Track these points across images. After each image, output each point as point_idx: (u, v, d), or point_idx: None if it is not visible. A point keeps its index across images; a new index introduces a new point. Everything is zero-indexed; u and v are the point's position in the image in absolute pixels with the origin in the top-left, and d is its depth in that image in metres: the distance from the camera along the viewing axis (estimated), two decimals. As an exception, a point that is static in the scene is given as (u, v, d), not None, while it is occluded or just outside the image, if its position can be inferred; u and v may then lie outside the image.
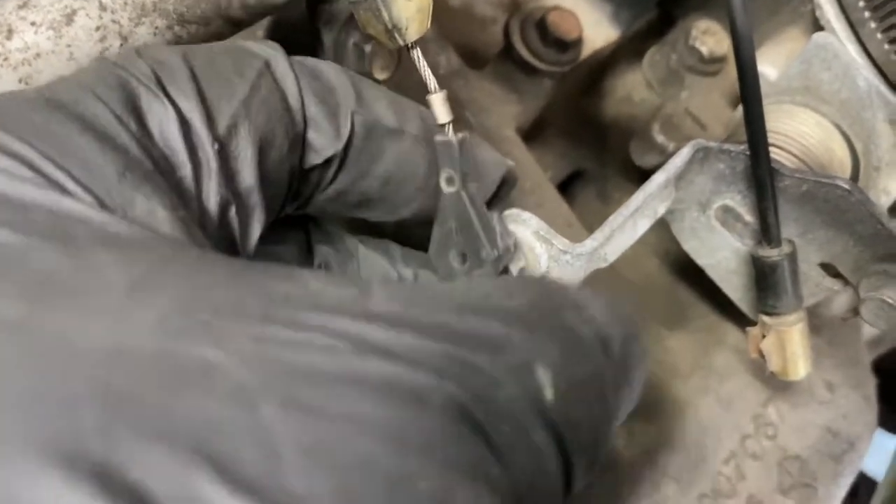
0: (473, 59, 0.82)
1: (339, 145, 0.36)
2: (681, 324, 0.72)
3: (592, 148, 0.79)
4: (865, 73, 0.55)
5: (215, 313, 0.22)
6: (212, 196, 0.31)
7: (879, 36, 0.56)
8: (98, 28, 0.38)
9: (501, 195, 0.48)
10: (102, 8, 0.38)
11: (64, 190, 0.26)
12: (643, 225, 0.53)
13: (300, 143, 0.35)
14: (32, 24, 0.37)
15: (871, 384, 0.70)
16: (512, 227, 0.49)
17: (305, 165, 0.36)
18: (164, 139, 0.30)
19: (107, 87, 0.29)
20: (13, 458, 0.18)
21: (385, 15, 0.40)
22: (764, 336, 0.56)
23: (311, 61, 0.38)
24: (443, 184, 0.40)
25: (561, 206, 0.70)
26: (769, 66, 0.61)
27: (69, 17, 0.37)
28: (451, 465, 0.21)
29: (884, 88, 0.58)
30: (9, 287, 0.22)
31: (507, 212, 0.49)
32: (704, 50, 0.66)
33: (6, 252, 0.23)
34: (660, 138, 0.65)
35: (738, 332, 0.69)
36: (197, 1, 0.41)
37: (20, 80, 0.36)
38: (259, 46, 0.35)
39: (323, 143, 0.36)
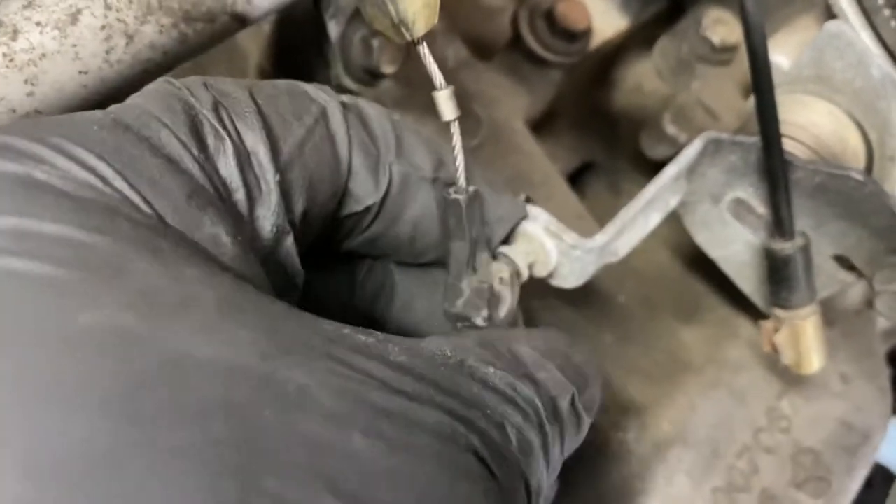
0: (481, 49, 0.81)
1: (378, 196, 0.37)
2: (694, 317, 0.72)
3: (603, 139, 0.78)
4: (879, 62, 0.54)
5: (292, 342, 0.26)
6: (267, 225, 0.32)
7: (894, 24, 0.55)
8: (103, 27, 0.38)
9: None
10: (107, 7, 0.38)
11: (136, 207, 0.27)
12: (655, 218, 0.53)
13: (341, 191, 0.36)
14: (38, 24, 0.37)
15: (885, 375, 0.70)
16: (522, 222, 0.48)
17: (343, 213, 0.37)
18: (225, 167, 0.30)
19: (172, 113, 0.30)
20: (161, 465, 0.21)
21: (392, 10, 0.39)
22: (777, 329, 0.55)
23: (359, 106, 0.38)
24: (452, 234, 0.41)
25: (571, 198, 0.69)
26: (781, 55, 0.60)
27: (74, 17, 0.37)
28: (477, 484, 0.28)
29: (898, 77, 0.57)
30: (118, 296, 0.23)
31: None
32: (716, 39, 0.65)
33: (108, 259, 0.24)
34: (671, 129, 0.64)
35: (750, 326, 0.68)
36: (202, -2, 0.41)
37: (26, 81, 0.36)
38: (317, 93, 0.36)
39: (362, 194, 0.37)
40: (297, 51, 0.57)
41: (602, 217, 0.78)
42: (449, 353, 0.32)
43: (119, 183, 0.27)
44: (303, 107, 0.35)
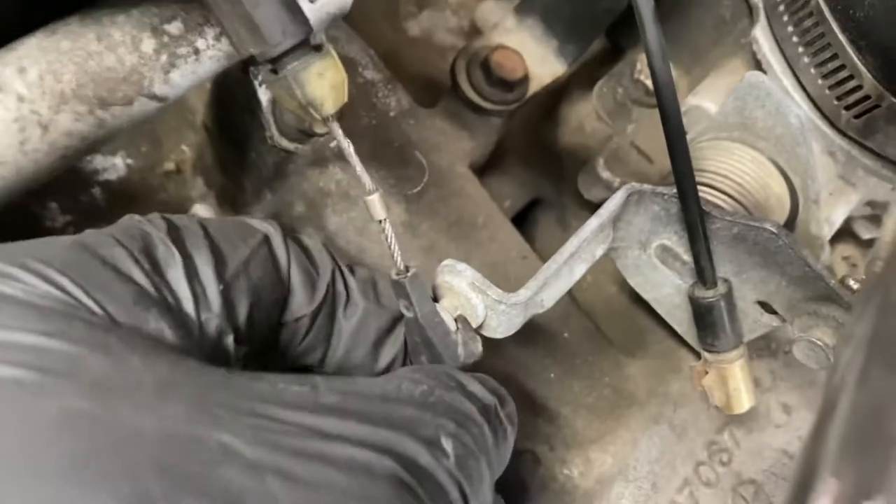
0: (434, 88, 0.83)
1: (310, 309, 0.44)
2: (639, 350, 0.73)
3: (550, 176, 0.79)
4: (797, 111, 0.56)
5: (220, 407, 0.31)
6: (212, 325, 0.38)
7: (813, 71, 0.57)
8: (16, 119, 0.39)
9: None
10: (20, 99, 0.39)
11: (92, 311, 0.32)
12: (580, 269, 0.54)
13: (283, 301, 0.43)
14: (-49, 120, 0.38)
15: (828, 404, 0.71)
16: (448, 278, 0.50)
17: (282, 320, 0.44)
18: (175, 279, 0.37)
19: (129, 237, 0.36)
20: None
21: (298, 93, 0.41)
22: (706, 372, 0.57)
23: (302, 241, 0.46)
24: (403, 310, 0.45)
25: (515, 238, 0.70)
26: (709, 101, 0.61)
27: (-13, 111, 0.39)
28: None
29: (819, 122, 0.58)
30: (77, 387, 0.29)
31: (443, 263, 0.50)
32: (649, 83, 0.66)
33: (65, 358, 0.30)
34: (605, 174, 0.66)
35: (693, 358, 0.70)
36: (117, 83, 0.42)
37: (-60, 177, 0.38)
38: (261, 224, 0.43)
39: (295, 307, 0.43)
40: (235, 111, 0.58)
41: (551, 251, 0.80)
42: (384, 382, 0.38)
43: (76, 291, 0.32)
44: (248, 232, 0.42)
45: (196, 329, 0.37)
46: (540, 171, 0.79)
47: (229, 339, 0.39)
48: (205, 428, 0.29)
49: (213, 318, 0.38)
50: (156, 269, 0.36)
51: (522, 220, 0.82)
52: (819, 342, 0.50)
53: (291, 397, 0.33)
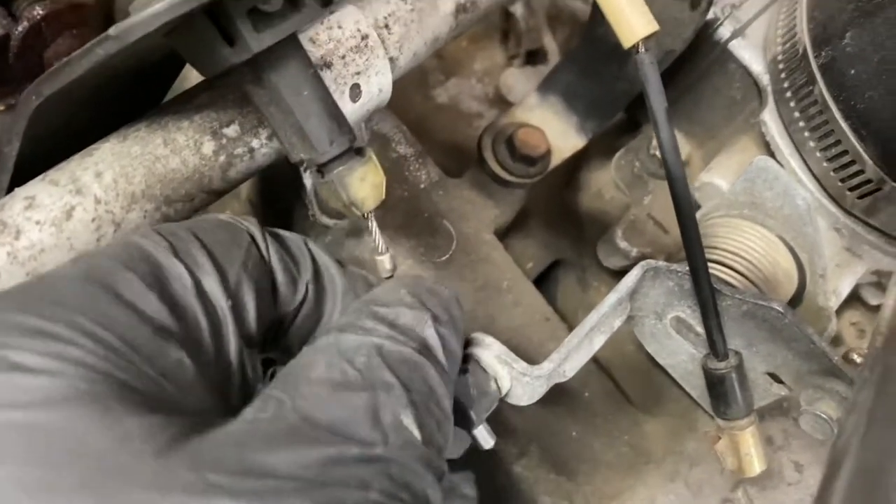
0: (461, 152, 0.88)
1: (293, 306, 0.44)
2: (656, 408, 0.76)
3: (571, 238, 0.83)
4: (804, 194, 0.60)
5: (214, 471, 0.30)
6: (232, 344, 0.38)
7: (818, 154, 0.61)
8: (94, 219, 0.44)
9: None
10: (97, 201, 0.44)
11: (104, 358, 0.32)
12: (599, 340, 0.58)
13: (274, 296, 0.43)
14: (37, 223, 0.43)
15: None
16: (476, 350, 0.54)
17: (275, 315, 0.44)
18: (187, 303, 0.36)
19: (134, 259, 0.36)
20: None
21: (343, 195, 0.45)
22: (720, 437, 0.60)
23: (280, 234, 0.45)
24: None
25: (538, 301, 0.74)
26: (720, 178, 0.65)
27: (68, 213, 0.43)
28: None
29: (825, 201, 0.62)
30: (79, 480, 0.29)
31: (472, 335, 0.54)
32: (665, 158, 0.70)
33: (66, 437, 0.29)
34: (623, 244, 0.70)
35: (708, 418, 0.73)
36: (181, 183, 0.47)
37: (27, 274, 0.42)
38: (241, 222, 0.43)
39: (283, 303, 0.43)
40: (281, 189, 0.63)
41: (573, 309, 0.84)
42: (325, 372, 0.37)
43: (90, 344, 0.32)
44: (236, 234, 0.41)
45: (211, 350, 0.37)
46: (561, 234, 0.83)
47: (245, 355, 0.39)
48: (205, 497, 0.30)
49: (227, 334, 0.38)
50: (167, 294, 0.36)
51: (543, 278, 0.86)
52: (823, 415, 0.53)
53: (268, 433, 0.33)
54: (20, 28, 0.68)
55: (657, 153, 0.70)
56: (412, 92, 0.91)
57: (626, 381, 0.79)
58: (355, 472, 0.33)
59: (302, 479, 0.32)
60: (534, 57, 0.98)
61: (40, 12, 0.68)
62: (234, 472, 0.31)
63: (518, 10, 0.96)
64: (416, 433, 0.37)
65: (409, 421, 0.37)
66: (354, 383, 0.36)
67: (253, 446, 0.32)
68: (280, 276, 0.43)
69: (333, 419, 0.34)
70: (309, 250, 0.45)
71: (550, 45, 0.99)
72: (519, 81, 0.93)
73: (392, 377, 0.37)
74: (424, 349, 0.40)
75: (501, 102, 0.93)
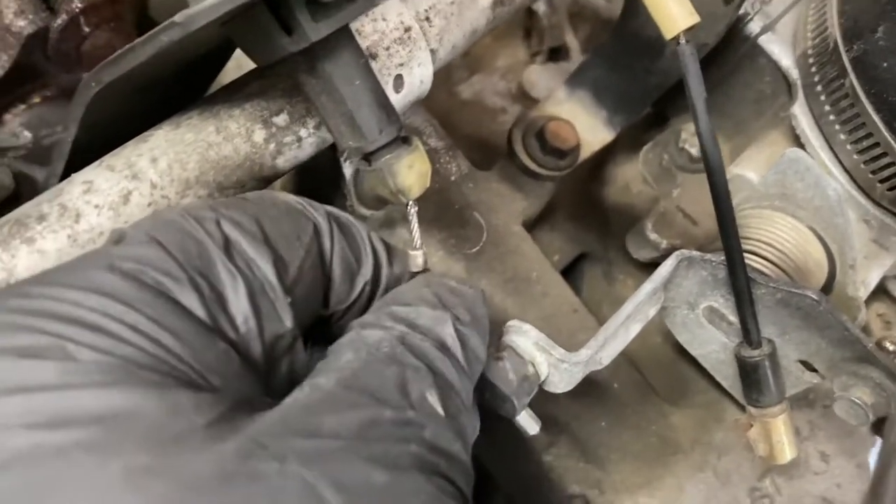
0: (486, 147, 0.89)
1: (346, 304, 0.44)
2: (683, 399, 0.77)
3: (597, 232, 0.84)
4: (834, 185, 0.61)
5: (264, 436, 0.32)
6: (280, 340, 0.38)
7: (849, 147, 0.62)
8: (150, 204, 0.45)
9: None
10: (153, 186, 0.45)
11: (147, 352, 0.33)
12: (635, 329, 0.59)
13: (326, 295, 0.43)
14: (96, 206, 0.44)
15: (865, 452, 0.75)
16: (514, 337, 0.54)
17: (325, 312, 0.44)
18: (236, 307, 0.36)
19: (185, 252, 0.36)
20: None
21: (391, 182, 0.46)
22: (751, 425, 0.61)
23: (350, 228, 0.44)
24: None
25: (566, 292, 0.75)
26: (751, 171, 0.66)
27: (126, 198, 0.44)
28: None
29: (855, 192, 0.63)
30: (136, 442, 0.30)
31: (509, 323, 0.55)
32: (693, 151, 0.71)
33: (123, 411, 0.30)
34: (653, 236, 0.70)
35: (735, 409, 0.74)
36: (233, 170, 0.48)
37: (87, 257, 0.43)
38: (308, 210, 0.42)
39: (334, 301, 0.44)
40: (320, 179, 0.64)
41: (599, 303, 0.85)
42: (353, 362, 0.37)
43: (133, 337, 0.32)
44: (300, 226, 0.41)
45: (259, 346, 0.37)
46: (588, 227, 0.84)
47: (297, 347, 0.39)
48: (256, 461, 0.30)
49: (275, 331, 0.38)
50: (216, 296, 0.36)
51: (568, 271, 0.86)
52: (858, 401, 0.54)
53: (307, 404, 0.34)
54: (59, 21, 0.69)
55: (686, 146, 0.71)
56: (437, 88, 0.91)
57: (651, 372, 0.80)
58: (392, 431, 0.35)
59: (345, 438, 0.33)
60: (556, 54, 1.00)
61: (79, 5, 0.69)
62: (279, 434, 0.32)
63: (540, 7, 0.97)
64: (441, 411, 0.37)
65: (433, 399, 0.38)
66: (383, 360, 0.38)
67: (295, 415, 0.34)
68: (338, 275, 0.43)
69: (366, 385, 0.36)
70: (372, 245, 0.45)
71: (572, 42, 1.00)
72: (542, 78, 0.94)
73: (417, 361, 0.38)
74: (443, 348, 0.40)
75: (524, 98, 0.94)
